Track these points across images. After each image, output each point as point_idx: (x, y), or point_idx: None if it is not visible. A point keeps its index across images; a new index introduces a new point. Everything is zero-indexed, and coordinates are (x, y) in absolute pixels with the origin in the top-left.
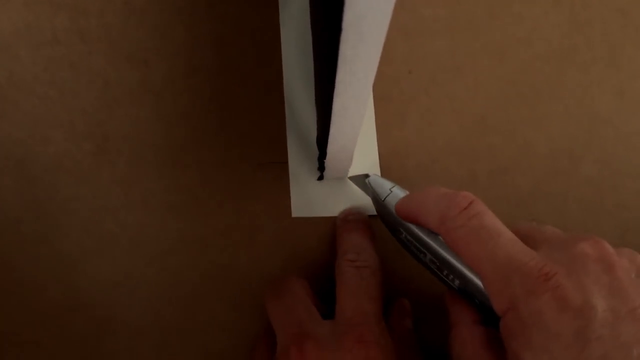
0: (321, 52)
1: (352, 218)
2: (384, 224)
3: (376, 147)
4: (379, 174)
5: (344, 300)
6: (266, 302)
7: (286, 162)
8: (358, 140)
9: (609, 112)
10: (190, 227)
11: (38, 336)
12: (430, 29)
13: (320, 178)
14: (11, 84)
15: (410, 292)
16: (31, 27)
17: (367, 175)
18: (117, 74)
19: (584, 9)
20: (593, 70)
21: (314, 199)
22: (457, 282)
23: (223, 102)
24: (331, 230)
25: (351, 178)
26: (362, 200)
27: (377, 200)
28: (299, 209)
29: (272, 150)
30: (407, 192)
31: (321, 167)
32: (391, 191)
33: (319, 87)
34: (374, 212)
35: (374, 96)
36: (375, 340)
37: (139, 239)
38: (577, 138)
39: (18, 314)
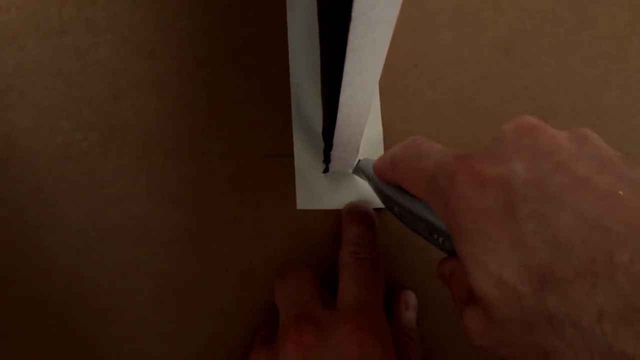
0: (329, 42)
1: (356, 210)
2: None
3: (382, 140)
4: None
5: (344, 289)
6: (274, 281)
7: (292, 155)
8: (364, 133)
9: (615, 107)
10: (195, 218)
11: (41, 324)
12: (436, 22)
13: (326, 171)
14: (18, 74)
15: (413, 284)
16: (38, 17)
17: (358, 161)
18: (124, 65)
19: (591, 4)
20: (599, 65)
21: (319, 191)
22: (446, 243)
23: (229, 94)
24: (335, 223)
25: (353, 172)
26: (368, 193)
27: (369, 180)
28: (304, 201)
29: (277, 142)
30: None
31: (327, 160)
32: None
33: (325, 78)
34: (380, 205)
35: (379, 89)
36: (373, 328)
37: (143, 228)
38: None
39: (22, 301)
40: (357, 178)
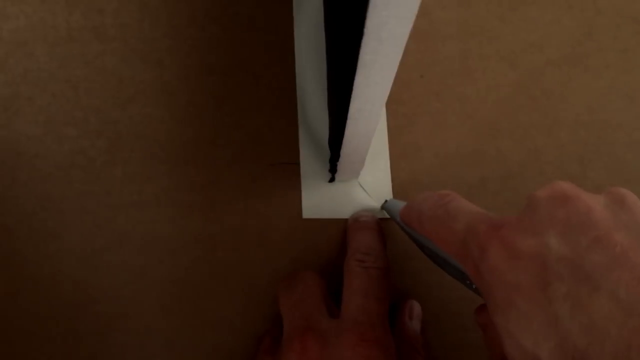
0: (338, 55)
1: (363, 219)
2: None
3: (387, 150)
4: (389, 176)
5: (349, 299)
6: (279, 291)
7: (298, 164)
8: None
9: (619, 118)
10: (202, 226)
11: (48, 331)
12: (442, 33)
13: (332, 180)
14: (26, 81)
15: (419, 294)
16: (47, 24)
17: (385, 202)
18: (131, 73)
19: (597, 15)
20: (604, 76)
21: (324, 200)
22: (474, 285)
23: (236, 102)
24: (341, 232)
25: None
26: (373, 203)
27: (397, 223)
28: (309, 210)
29: (283, 151)
30: None
31: (332, 169)
32: None
33: (332, 89)
34: (387, 216)
35: None
36: (378, 340)
37: (150, 236)
38: (587, 144)
39: (28, 308)
40: (362, 188)
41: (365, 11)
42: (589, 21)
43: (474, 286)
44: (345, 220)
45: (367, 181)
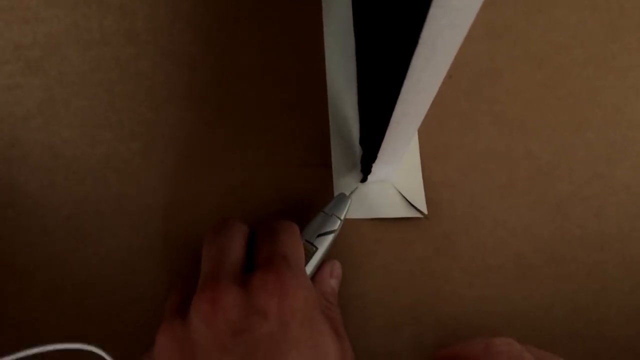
0: (384, 61)
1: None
2: None
3: (418, 150)
4: (421, 176)
5: (263, 246)
6: (205, 235)
7: (329, 165)
8: None
9: None
10: None
11: (86, 333)
12: (470, 34)
13: (364, 180)
14: (61, 84)
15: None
16: (80, 28)
17: None
18: (164, 76)
19: (622, 17)
20: (630, 76)
21: (356, 201)
22: None
23: (267, 105)
24: (373, 232)
25: None
26: (404, 201)
27: None
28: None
29: (315, 152)
30: None
31: (366, 170)
32: None
33: (370, 93)
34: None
35: None
36: (295, 280)
37: (186, 237)
38: (615, 143)
39: (68, 310)
40: (394, 187)
41: (424, 20)
42: (614, 22)
43: None
44: (378, 220)
45: (399, 181)
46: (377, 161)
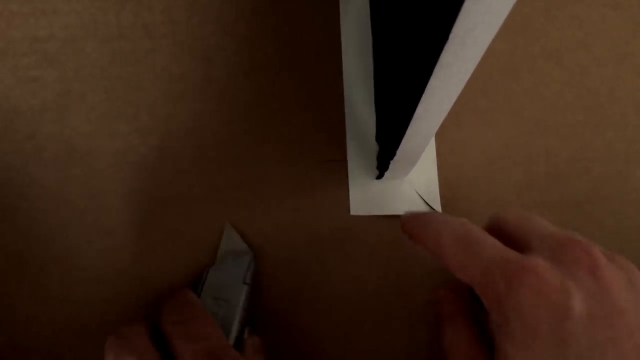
0: (409, 55)
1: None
2: None
3: (434, 148)
4: (436, 173)
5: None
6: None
7: (345, 161)
8: None
9: None
10: (251, 222)
11: (103, 325)
12: None
13: (380, 177)
14: (78, 78)
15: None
16: (98, 22)
17: None
18: (181, 70)
19: None
20: None
21: (372, 197)
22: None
23: (283, 100)
24: (389, 229)
25: None
26: (420, 201)
27: None
28: (357, 207)
29: (331, 148)
30: None
31: (381, 166)
32: None
33: (385, 88)
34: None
35: None
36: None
37: (202, 233)
38: (635, 142)
39: (84, 301)
40: (409, 185)
41: (456, 17)
42: (635, 19)
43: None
44: (394, 217)
45: (415, 178)
46: (396, 158)
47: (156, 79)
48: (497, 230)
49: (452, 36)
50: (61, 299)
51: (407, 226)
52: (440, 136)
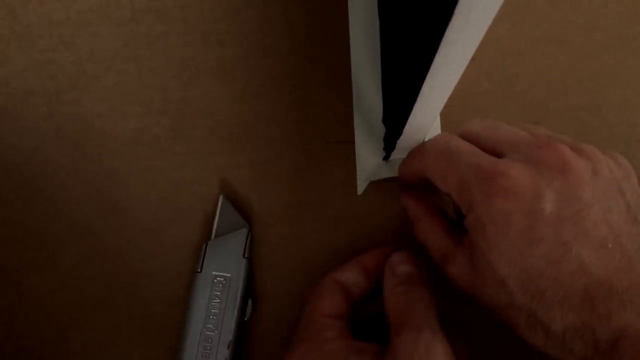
0: (414, 33)
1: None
2: None
3: (439, 128)
4: None
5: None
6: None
7: (352, 142)
8: None
9: None
10: (262, 201)
11: (114, 299)
12: None
13: (386, 158)
14: (92, 60)
15: None
16: (111, 5)
17: None
18: (193, 53)
19: None
20: None
21: (379, 177)
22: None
23: (293, 82)
24: (395, 209)
25: None
26: None
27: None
28: (364, 186)
29: (339, 129)
30: None
31: (387, 147)
32: None
33: (392, 67)
34: None
35: None
36: None
37: (212, 211)
38: (635, 125)
39: (98, 277)
40: None
41: None
42: (636, 4)
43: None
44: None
45: None
46: (402, 137)
47: (168, 62)
48: (468, 142)
49: (456, 12)
50: (76, 272)
51: (401, 167)
52: (445, 118)
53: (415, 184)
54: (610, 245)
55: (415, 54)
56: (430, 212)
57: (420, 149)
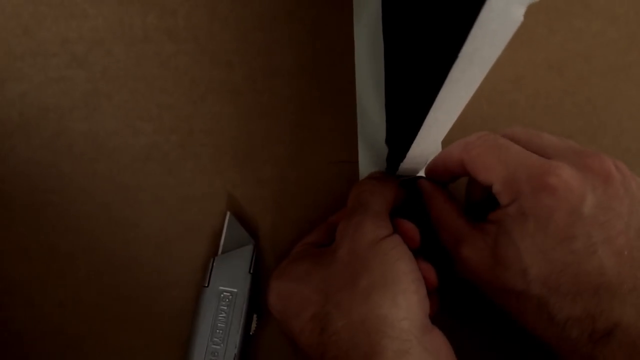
0: (419, 70)
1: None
2: None
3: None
4: None
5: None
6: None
7: (355, 162)
8: None
9: None
10: (268, 218)
11: (125, 313)
12: None
13: None
14: (105, 78)
15: None
16: (124, 25)
17: None
18: (202, 73)
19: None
20: None
21: None
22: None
23: (299, 103)
24: None
25: None
26: None
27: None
28: None
29: (343, 150)
30: None
31: (390, 168)
32: None
33: (396, 95)
34: None
35: None
36: None
37: (220, 227)
38: (630, 150)
39: (107, 290)
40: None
41: (465, 39)
42: (632, 33)
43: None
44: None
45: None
46: (405, 161)
47: (179, 81)
48: None
49: (460, 54)
50: (86, 286)
51: (436, 159)
52: (446, 141)
53: (439, 177)
54: (626, 253)
55: (419, 86)
56: (445, 197)
57: (463, 144)
